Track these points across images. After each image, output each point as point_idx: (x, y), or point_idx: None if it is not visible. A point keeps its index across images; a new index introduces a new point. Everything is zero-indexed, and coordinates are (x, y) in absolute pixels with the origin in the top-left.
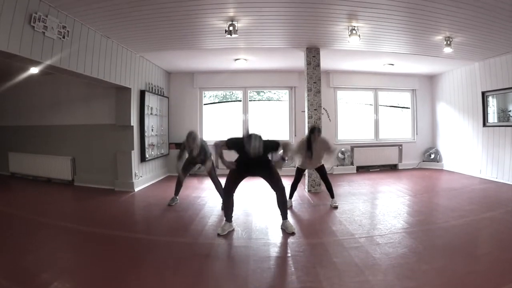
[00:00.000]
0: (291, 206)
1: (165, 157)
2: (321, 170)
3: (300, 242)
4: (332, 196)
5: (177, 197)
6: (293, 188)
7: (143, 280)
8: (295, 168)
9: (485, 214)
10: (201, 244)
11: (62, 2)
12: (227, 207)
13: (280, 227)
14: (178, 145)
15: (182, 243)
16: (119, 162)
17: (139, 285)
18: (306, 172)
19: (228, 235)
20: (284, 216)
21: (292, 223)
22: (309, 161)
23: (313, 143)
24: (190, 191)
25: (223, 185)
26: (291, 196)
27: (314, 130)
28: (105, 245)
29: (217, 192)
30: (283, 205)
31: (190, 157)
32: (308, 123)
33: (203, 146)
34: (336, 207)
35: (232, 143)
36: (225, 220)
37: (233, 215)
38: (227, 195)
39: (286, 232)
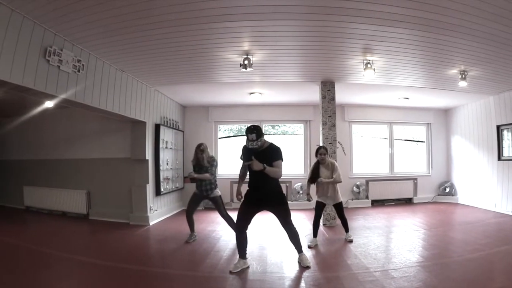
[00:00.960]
0: (316, 244)
1: (180, 191)
2: (339, 207)
3: (315, 276)
4: (347, 230)
5: (195, 233)
6: (316, 225)
7: None
8: (315, 203)
9: (500, 248)
10: (217, 277)
11: (77, 36)
12: (240, 243)
13: (297, 260)
14: (193, 180)
15: (197, 276)
16: (134, 196)
17: None
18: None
19: (242, 270)
20: (299, 250)
21: (307, 256)
22: (319, 187)
23: (321, 164)
24: (205, 224)
25: (233, 219)
26: (315, 234)
27: (319, 150)
28: (121, 278)
29: (229, 227)
30: (295, 239)
31: (196, 167)
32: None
33: (212, 159)
34: (351, 241)
35: (243, 150)
36: (239, 257)
37: (247, 251)
38: (238, 231)
39: (301, 265)
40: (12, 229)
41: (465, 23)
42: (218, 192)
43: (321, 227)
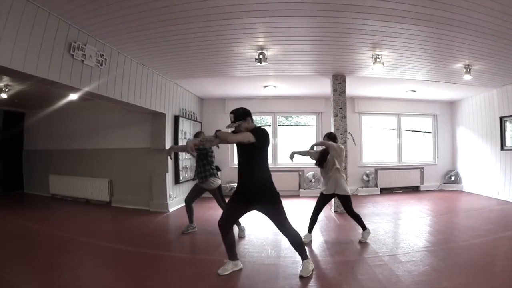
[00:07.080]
0: (311, 241)
1: None
2: (345, 201)
3: (327, 260)
4: (364, 227)
5: (193, 224)
6: (313, 219)
7: None
8: (319, 194)
9: (503, 234)
10: None
11: (100, 32)
12: (227, 243)
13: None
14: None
15: (214, 260)
16: (154, 184)
17: None
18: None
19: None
20: (303, 256)
21: (319, 242)
22: (323, 174)
23: (330, 151)
24: (220, 211)
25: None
26: (310, 229)
27: (331, 137)
28: (141, 263)
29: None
30: (298, 246)
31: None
32: None
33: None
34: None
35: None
36: (228, 259)
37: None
38: (223, 230)
39: (301, 274)
40: (38, 215)
41: (469, 19)
42: (214, 183)
43: (332, 214)
